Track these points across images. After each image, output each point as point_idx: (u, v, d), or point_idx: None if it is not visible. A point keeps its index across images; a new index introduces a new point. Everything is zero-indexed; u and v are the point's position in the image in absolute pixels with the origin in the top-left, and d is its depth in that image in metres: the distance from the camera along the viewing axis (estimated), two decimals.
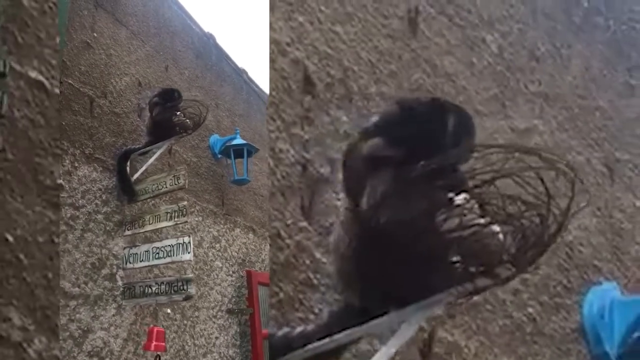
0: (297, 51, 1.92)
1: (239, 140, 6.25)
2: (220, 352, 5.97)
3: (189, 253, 4.51)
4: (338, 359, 1.87)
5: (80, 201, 4.39)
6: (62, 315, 4.01)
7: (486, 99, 2.26)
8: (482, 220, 1.48)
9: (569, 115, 2.88)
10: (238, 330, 6.33)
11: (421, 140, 1.56)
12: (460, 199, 1.49)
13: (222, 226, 6.32)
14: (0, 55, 1.50)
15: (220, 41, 6.88)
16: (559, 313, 2.69)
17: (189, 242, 4.52)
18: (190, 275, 4.71)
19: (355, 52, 2.03)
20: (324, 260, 1.97)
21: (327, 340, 1.73)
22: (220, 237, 6.26)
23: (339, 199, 1.95)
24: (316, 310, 1.96)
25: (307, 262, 1.95)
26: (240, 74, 7.26)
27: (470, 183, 1.52)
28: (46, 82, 1.60)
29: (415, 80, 2.16)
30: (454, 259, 1.53)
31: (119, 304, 4.64)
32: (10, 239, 1.49)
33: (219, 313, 6.04)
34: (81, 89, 4.53)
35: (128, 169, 4.96)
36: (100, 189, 4.63)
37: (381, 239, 1.55)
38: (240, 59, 7.96)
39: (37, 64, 1.59)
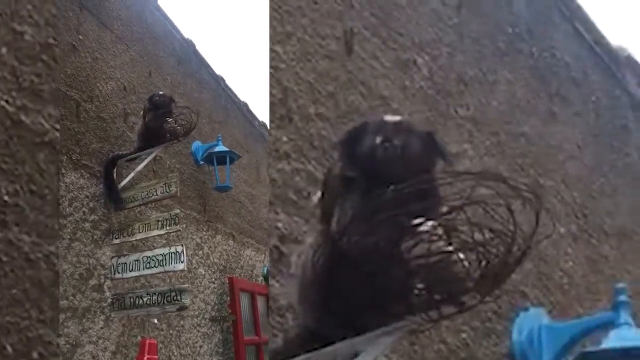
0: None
1: (221, 147, 6.24)
2: None
3: (182, 262, 4.47)
4: None
5: (67, 209, 4.34)
6: None
7: (418, 122, 2.28)
8: (449, 248, 1.48)
9: (496, 140, 2.90)
10: (221, 337, 6.34)
11: (389, 164, 1.56)
12: (428, 225, 1.48)
13: (204, 233, 6.31)
14: None
15: (199, 47, 6.92)
16: (489, 338, 2.70)
17: (182, 251, 4.47)
18: (185, 285, 4.65)
19: (295, 72, 2.04)
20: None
21: None
22: (203, 244, 6.26)
23: (279, 220, 1.96)
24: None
25: None
26: (218, 81, 7.28)
27: (440, 210, 1.51)
28: None
29: (352, 102, 2.17)
30: (419, 286, 1.52)
31: (107, 316, 4.60)
32: None
33: (203, 321, 6.04)
34: (67, 93, 4.50)
35: (115, 175, 4.92)
36: (87, 197, 4.60)
37: (346, 263, 1.54)
38: (217, 66, 8.02)
39: None
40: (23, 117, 1.67)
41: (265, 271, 7.04)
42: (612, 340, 2.55)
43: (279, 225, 1.95)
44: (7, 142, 1.62)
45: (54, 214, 1.81)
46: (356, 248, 1.51)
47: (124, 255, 4.77)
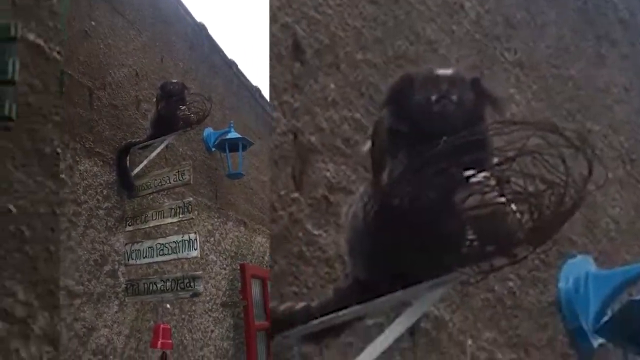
0: (287, 16, 1.92)
1: (233, 134, 6.21)
2: (215, 345, 6.01)
3: (195, 250, 4.48)
4: (341, 335, 1.90)
5: (82, 197, 4.34)
6: (67, 314, 4.00)
7: (465, 67, 2.28)
8: (502, 199, 1.48)
9: (543, 84, 2.88)
10: (232, 322, 6.37)
11: (444, 119, 1.56)
12: (480, 176, 1.49)
13: (216, 220, 6.31)
14: (8, 18, 1.48)
15: (211, 31, 6.86)
16: (536, 287, 2.70)
17: (195, 239, 4.49)
18: (199, 272, 4.71)
19: (342, 18, 2.04)
20: (316, 232, 1.99)
21: (331, 316, 1.76)
22: (214, 231, 6.26)
23: (328, 169, 1.97)
24: (310, 284, 1.98)
25: (300, 234, 1.95)
26: (230, 66, 7.21)
27: (492, 161, 1.52)
28: (44, 46, 1.59)
29: (399, 47, 2.17)
30: (470, 237, 1.54)
31: (121, 301, 4.62)
32: (13, 210, 1.48)
33: (214, 306, 6.07)
34: (80, 80, 4.47)
35: (128, 163, 4.92)
36: (101, 184, 4.60)
37: (398, 215, 1.55)
38: (228, 50, 7.91)
39: (35, 26, 1.57)
40: None
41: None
42: None
43: (327, 174, 1.96)
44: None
45: None
46: (408, 200, 1.53)
47: (138, 242, 4.78)
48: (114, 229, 4.70)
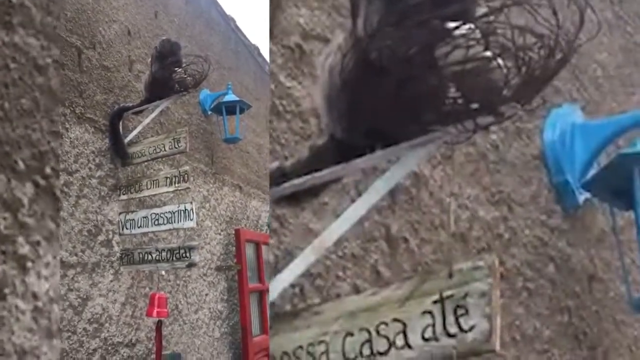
0: None
1: (231, 97, 6.03)
2: (210, 308, 6.00)
3: (191, 220, 4.37)
4: (318, 196, 1.81)
5: (73, 166, 4.22)
6: (61, 285, 3.91)
7: None
8: (487, 53, 1.40)
9: None
10: (226, 285, 6.40)
11: None
12: (464, 29, 1.40)
13: (211, 185, 6.26)
14: None
15: None
16: (520, 139, 2.60)
17: (192, 209, 4.38)
18: (195, 242, 4.63)
19: None
20: (289, 84, 1.88)
21: (307, 177, 1.67)
22: (209, 197, 6.21)
23: (301, 15, 1.86)
24: (282, 141, 1.88)
25: (272, 86, 1.85)
26: (228, 22, 7.05)
27: (478, 11, 1.42)
28: None
29: None
30: (454, 94, 1.46)
31: (116, 270, 4.55)
32: None
33: (209, 271, 6.05)
34: (68, 39, 4.29)
35: (121, 129, 4.79)
36: (93, 152, 4.47)
37: (376, 70, 1.46)
38: (226, 5, 7.73)
39: None
40: None
41: (269, 219, 7.00)
42: None
43: (300, 20, 1.85)
44: None
45: (59, 15, 1.72)
46: (386, 54, 1.44)
47: (132, 212, 4.69)
48: (107, 198, 4.59)
